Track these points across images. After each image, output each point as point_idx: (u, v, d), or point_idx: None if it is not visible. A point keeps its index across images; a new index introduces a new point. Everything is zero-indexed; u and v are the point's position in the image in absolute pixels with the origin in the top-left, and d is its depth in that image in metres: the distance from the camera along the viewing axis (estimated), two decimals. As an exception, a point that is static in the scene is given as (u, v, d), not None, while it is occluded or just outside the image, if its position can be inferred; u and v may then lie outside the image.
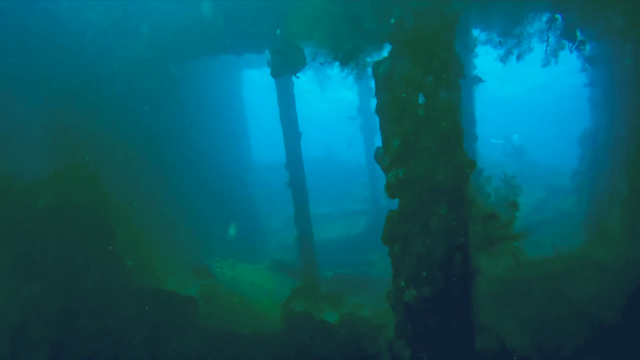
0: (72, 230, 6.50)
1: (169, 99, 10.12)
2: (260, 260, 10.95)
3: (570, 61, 9.14)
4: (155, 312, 6.56)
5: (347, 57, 5.71)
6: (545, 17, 6.36)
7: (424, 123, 5.12)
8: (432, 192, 5.23)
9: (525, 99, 37.69)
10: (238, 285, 7.54)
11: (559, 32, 6.42)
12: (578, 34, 6.43)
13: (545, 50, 6.33)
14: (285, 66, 6.82)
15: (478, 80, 8.98)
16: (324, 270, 10.56)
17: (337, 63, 13.60)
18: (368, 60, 5.69)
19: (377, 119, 5.71)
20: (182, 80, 10.47)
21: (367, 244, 14.18)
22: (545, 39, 6.12)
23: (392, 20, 5.08)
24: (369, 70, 5.72)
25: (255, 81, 24.25)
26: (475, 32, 8.10)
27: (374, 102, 15.12)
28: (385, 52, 5.50)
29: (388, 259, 13.71)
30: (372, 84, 14.77)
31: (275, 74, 7.23)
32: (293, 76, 7.45)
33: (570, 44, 6.37)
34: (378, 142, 15.27)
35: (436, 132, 5.16)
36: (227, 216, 11.77)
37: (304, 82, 10.14)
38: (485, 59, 9.69)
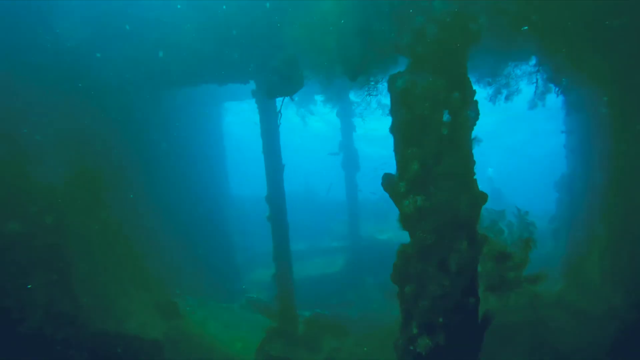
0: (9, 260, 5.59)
1: (140, 127, 9.74)
2: (233, 299, 10.34)
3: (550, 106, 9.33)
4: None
5: (356, 71, 5.25)
6: (532, 60, 6.43)
7: (448, 144, 4.55)
8: (453, 224, 4.63)
9: (500, 139, 38.29)
10: (209, 327, 6.95)
11: (546, 75, 6.45)
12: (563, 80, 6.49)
13: (535, 91, 6.34)
14: (283, 86, 6.47)
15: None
16: (300, 310, 10.04)
17: (321, 98, 13.53)
18: (379, 75, 5.29)
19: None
20: (154, 108, 10.17)
21: (345, 282, 13.75)
22: (534, 81, 6.13)
23: (412, 31, 4.62)
24: (380, 86, 5.39)
25: (236, 114, 24.14)
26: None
27: (355, 137, 15.12)
28: (397, 68, 5.05)
29: (366, 299, 13.27)
30: (356, 119, 14.67)
31: (271, 95, 6.88)
32: (288, 98, 7.14)
33: (556, 88, 6.37)
34: (360, 179, 15.13)
35: (460, 155, 4.63)
36: (199, 250, 11.20)
37: (285, 115, 9.98)
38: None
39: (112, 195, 8.26)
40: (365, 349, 9.65)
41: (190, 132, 13.11)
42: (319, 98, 15.84)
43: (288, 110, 10.23)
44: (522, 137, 39.25)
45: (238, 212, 16.26)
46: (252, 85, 8.97)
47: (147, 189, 9.72)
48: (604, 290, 9.09)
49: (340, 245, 15.71)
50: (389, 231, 16.46)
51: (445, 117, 4.46)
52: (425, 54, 4.63)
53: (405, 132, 4.80)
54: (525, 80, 6.25)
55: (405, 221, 4.86)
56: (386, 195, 18.43)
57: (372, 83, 5.34)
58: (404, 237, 15.83)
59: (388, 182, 5.19)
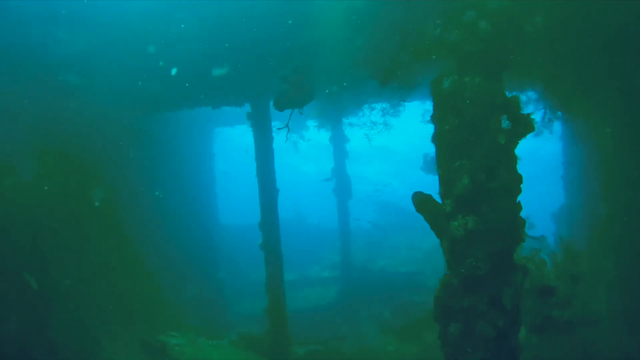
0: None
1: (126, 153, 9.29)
2: (223, 334, 9.69)
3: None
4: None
5: (387, 74, 4.72)
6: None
7: (504, 155, 3.92)
8: (508, 252, 4.01)
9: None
10: (199, 366, 6.37)
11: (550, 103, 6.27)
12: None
13: (543, 118, 6.14)
14: (293, 97, 5.97)
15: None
16: (293, 345, 9.46)
17: (314, 123, 13.27)
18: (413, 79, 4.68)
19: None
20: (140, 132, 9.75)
21: (338, 315, 13.17)
22: (542, 107, 5.94)
23: (461, 26, 4.05)
24: (416, 92, 4.84)
25: (226, 141, 23.85)
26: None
27: (348, 164, 14.87)
28: (431, 73, 4.46)
29: (359, 333, 12.72)
30: (349, 144, 14.37)
31: (279, 106, 6.40)
32: (297, 110, 6.68)
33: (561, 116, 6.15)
34: (353, 206, 14.79)
35: (514, 168, 4.04)
36: (187, 282, 10.60)
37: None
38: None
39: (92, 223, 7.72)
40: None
41: (180, 158, 12.73)
42: (311, 123, 15.69)
43: (278, 137, 9.97)
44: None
45: (226, 241, 15.71)
46: (247, 108, 8.69)
47: (132, 217, 9.20)
48: (612, 327, 8.78)
49: (332, 275, 15.19)
50: (381, 260, 16.04)
51: (505, 123, 3.85)
52: (475, 52, 4.04)
53: (453, 141, 4.18)
54: (532, 107, 6.08)
55: (452, 247, 4.15)
56: (379, 222, 18.00)
57: (404, 89, 4.84)
58: (397, 266, 15.33)
59: (422, 201, 4.57)
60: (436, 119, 4.36)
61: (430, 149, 12.48)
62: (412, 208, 18.37)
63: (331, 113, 14.03)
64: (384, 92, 7.52)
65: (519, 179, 3.93)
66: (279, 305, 8.25)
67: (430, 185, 13.67)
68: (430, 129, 14.76)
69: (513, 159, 3.93)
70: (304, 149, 17.80)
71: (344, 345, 11.43)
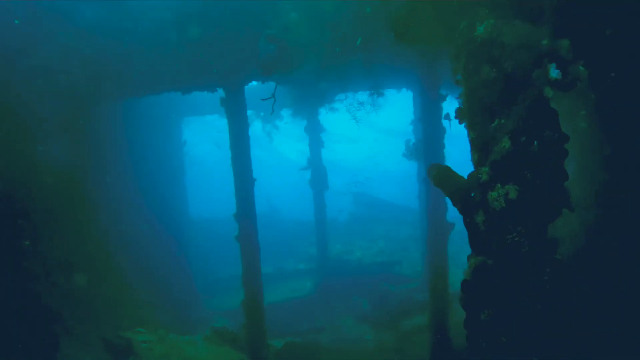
0: None
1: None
2: (195, 329, 9.26)
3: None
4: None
5: (404, 25, 4.07)
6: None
7: (550, 112, 3.31)
8: (548, 224, 3.46)
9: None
10: (171, 364, 5.95)
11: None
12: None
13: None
14: (280, 59, 5.49)
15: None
16: (270, 339, 9.15)
17: (288, 112, 12.90)
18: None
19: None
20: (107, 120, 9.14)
21: (314, 307, 12.93)
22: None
23: None
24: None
25: (195, 133, 23.12)
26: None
27: (324, 153, 14.58)
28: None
29: (336, 325, 12.55)
30: (327, 134, 14.08)
31: (266, 70, 5.92)
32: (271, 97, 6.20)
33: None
34: (329, 198, 14.57)
35: (571, 128, 3.73)
36: (154, 276, 10.08)
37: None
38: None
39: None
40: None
41: (148, 149, 12.13)
42: (285, 113, 15.32)
43: (252, 126, 9.59)
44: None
45: (196, 235, 15.19)
46: (220, 93, 8.24)
47: (93, 207, 8.62)
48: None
49: (307, 268, 14.91)
50: (358, 251, 15.90)
51: (553, 72, 3.20)
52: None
53: (488, 98, 3.52)
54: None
55: (489, 221, 3.49)
56: (355, 212, 17.75)
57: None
58: (374, 257, 15.15)
59: (441, 173, 3.99)
60: (466, 73, 3.74)
61: (412, 136, 12.40)
62: (388, 199, 18.34)
63: (307, 100, 13.73)
64: (367, 76, 7.25)
65: (565, 138, 3.33)
66: (256, 299, 7.89)
67: (410, 173, 13.58)
68: (407, 116, 14.48)
69: (557, 116, 3.33)
70: (278, 140, 17.44)
71: (322, 336, 11.21)
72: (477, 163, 3.72)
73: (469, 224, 3.68)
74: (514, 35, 3.35)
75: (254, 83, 10.97)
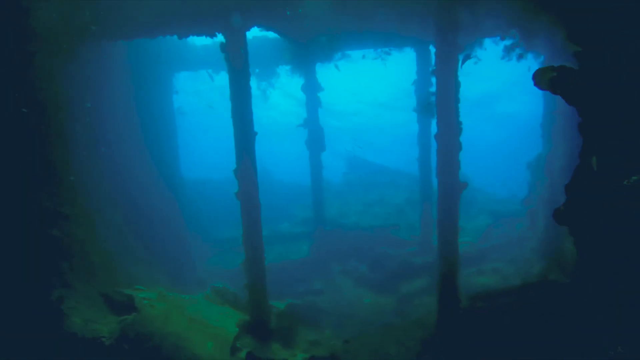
0: None
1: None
2: (191, 290, 8.98)
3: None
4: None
5: None
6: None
7: None
8: None
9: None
10: (172, 323, 5.65)
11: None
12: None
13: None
14: None
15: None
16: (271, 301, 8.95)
17: (286, 68, 12.35)
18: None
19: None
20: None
21: (311, 270, 12.77)
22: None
23: None
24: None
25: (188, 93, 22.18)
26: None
27: (321, 113, 14.14)
28: None
29: (335, 288, 12.36)
30: (323, 93, 13.60)
31: None
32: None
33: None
34: (326, 158, 14.19)
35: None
36: (150, 237, 9.70)
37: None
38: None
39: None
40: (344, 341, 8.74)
41: (138, 102, 11.48)
42: (281, 70, 14.67)
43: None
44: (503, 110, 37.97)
45: (190, 196, 14.75)
46: (219, 38, 7.64)
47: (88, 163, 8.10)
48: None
49: (303, 231, 14.66)
50: (354, 216, 15.67)
51: None
52: None
53: None
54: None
55: None
56: (350, 176, 17.40)
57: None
58: (370, 221, 14.93)
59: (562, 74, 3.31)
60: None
61: (413, 100, 11.96)
62: (384, 164, 17.99)
63: (305, 56, 13.10)
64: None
65: None
66: (257, 258, 7.58)
67: (410, 135, 13.17)
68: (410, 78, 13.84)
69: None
70: (274, 99, 16.77)
71: (321, 299, 11.09)
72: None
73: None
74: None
75: (251, 36, 10.32)
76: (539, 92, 12.37)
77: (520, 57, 8.12)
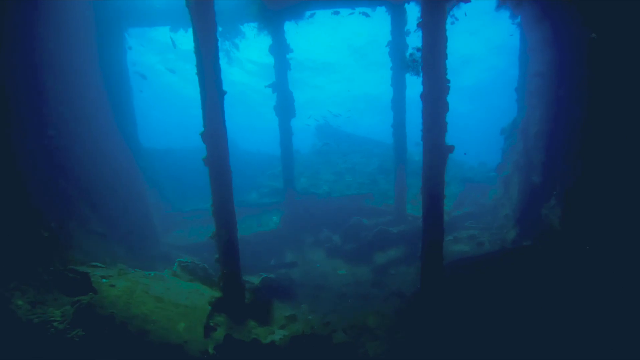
0: None
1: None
2: (155, 266, 8.26)
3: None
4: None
5: None
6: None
7: None
8: None
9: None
10: (137, 303, 4.98)
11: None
12: None
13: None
14: None
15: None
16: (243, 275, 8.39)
17: (253, 26, 11.50)
18: None
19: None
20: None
21: (283, 242, 12.27)
22: None
23: None
24: None
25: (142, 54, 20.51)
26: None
27: (291, 76, 13.38)
28: None
29: (309, 260, 11.95)
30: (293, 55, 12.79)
31: None
32: None
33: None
34: (296, 124, 13.51)
35: None
36: (106, 207, 8.79)
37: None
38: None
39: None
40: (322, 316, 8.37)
41: (87, 63, 10.27)
42: (247, 29, 13.64)
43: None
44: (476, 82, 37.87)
45: (150, 167, 13.72)
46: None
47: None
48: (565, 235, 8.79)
49: (273, 201, 14.05)
50: (324, 185, 15.19)
51: None
52: None
53: None
54: None
55: None
56: (319, 145, 16.72)
57: None
58: (342, 191, 14.45)
59: None
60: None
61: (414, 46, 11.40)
62: (355, 132, 17.47)
63: (274, 13, 12.17)
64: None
65: None
66: (229, 229, 6.93)
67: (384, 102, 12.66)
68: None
69: None
70: (238, 62, 15.68)
71: (294, 272, 10.65)
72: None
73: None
74: None
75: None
76: (513, 57, 12.14)
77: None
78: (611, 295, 6.61)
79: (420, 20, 6.69)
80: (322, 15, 13.49)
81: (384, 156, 16.73)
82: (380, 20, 13.52)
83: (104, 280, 5.15)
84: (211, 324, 5.82)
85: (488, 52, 30.81)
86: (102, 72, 10.94)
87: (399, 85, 12.07)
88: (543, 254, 8.52)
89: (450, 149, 6.88)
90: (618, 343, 6.06)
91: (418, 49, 7.07)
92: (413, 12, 12.25)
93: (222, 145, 6.86)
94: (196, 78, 6.72)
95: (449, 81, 6.61)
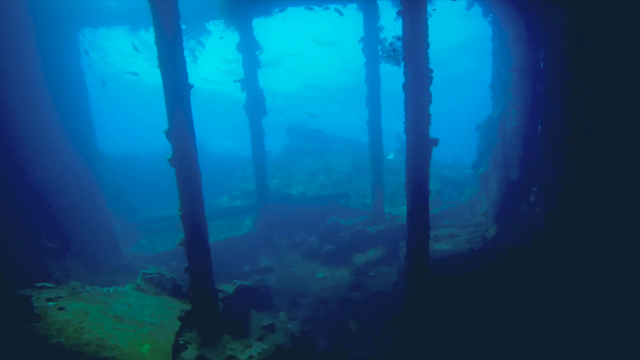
0: None
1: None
2: (116, 281, 7.52)
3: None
4: None
5: None
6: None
7: None
8: None
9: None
10: (91, 327, 4.30)
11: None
12: None
13: None
14: None
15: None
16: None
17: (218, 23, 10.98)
18: None
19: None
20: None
21: (256, 246, 11.67)
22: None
23: None
24: None
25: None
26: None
27: (261, 74, 12.81)
28: None
29: (284, 264, 11.39)
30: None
31: None
32: None
33: None
34: (267, 124, 12.89)
35: None
36: (60, 219, 7.97)
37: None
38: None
39: None
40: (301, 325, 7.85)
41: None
42: (213, 27, 13.00)
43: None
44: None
45: (111, 172, 12.84)
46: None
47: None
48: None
49: (245, 204, 13.42)
50: (298, 186, 14.67)
51: None
52: None
53: None
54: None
55: None
56: (290, 145, 16.14)
57: None
58: (317, 190, 13.93)
59: None
60: None
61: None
62: (328, 130, 16.97)
63: (240, 10, 11.58)
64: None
65: None
66: (200, 234, 6.31)
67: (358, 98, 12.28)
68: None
69: None
70: (203, 61, 14.94)
71: (270, 277, 10.07)
72: None
73: None
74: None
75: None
76: (486, 54, 12.00)
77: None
78: (594, 290, 6.44)
79: (400, 8, 6.31)
80: (292, 11, 12.99)
81: (358, 155, 16.39)
82: (351, 17, 13.12)
83: (50, 303, 4.45)
84: (181, 342, 5.19)
85: (455, 50, 31.15)
86: (50, 75, 9.98)
87: (373, 82, 11.72)
88: (525, 251, 8.34)
89: (435, 142, 6.52)
90: (603, 340, 5.86)
91: (399, 38, 6.66)
92: (386, 8, 12.00)
93: (189, 142, 6.25)
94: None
95: (431, 70, 6.24)
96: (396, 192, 13.56)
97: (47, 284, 5.05)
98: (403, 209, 12.68)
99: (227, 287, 7.29)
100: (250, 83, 12.13)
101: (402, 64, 6.34)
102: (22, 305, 4.11)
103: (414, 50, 6.19)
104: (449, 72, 35.55)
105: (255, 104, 12.19)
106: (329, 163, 15.82)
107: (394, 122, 17.86)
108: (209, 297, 6.32)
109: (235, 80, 11.81)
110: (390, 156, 17.51)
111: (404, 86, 6.33)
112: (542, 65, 8.51)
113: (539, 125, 8.97)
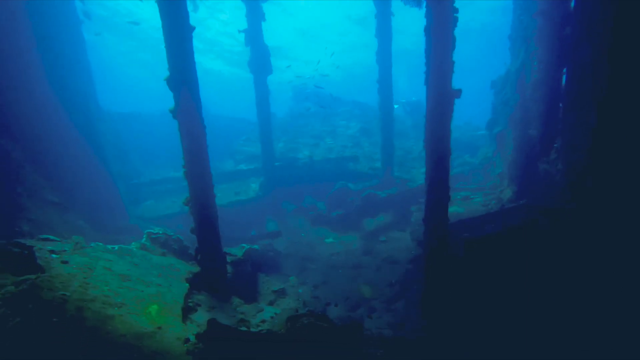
0: None
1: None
2: (120, 240, 7.19)
3: None
4: None
5: None
6: None
7: None
8: None
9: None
10: (96, 282, 3.99)
11: None
12: None
13: None
14: None
15: None
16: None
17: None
18: None
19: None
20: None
21: (263, 211, 11.36)
22: None
23: None
24: None
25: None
26: None
27: (266, 35, 12.12)
28: None
29: (292, 229, 11.08)
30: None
31: None
32: None
33: None
34: (272, 84, 12.29)
35: None
36: (62, 175, 7.60)
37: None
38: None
39: None
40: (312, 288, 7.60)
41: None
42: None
43: None
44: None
45: (113, 131, 12.37)
46: None
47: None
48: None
49: (250, 168, 13.03)
50: (304, 149, 14.23)
51: None
52: None
53: None
54: None
55: None
56: (295, 110, 15.48)
57: None
58: (324, 154, 13.44)
59: None
60: None
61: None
62: (334, 93, 16.26)
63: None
64: None
65: None
66: (206, 195, 5.95)
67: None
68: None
69: None
70: (204, 13, 14.16)
71: (278, 242, 9.79)
72: None
73: None
74: None
75: None
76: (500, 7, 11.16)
77: None
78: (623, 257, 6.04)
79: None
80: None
81: (366, 117, 15.85)
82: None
83: (54, 255, 4.13)
84: (190, 304, 4.91)
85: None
86: (43, 30, 9.33)
87: (384, 36, 11.06)
88: (546, 211, 7.95)
89: (458, 92, 6.04)
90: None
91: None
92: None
93: (192, 90, 5.81)
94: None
95: (457, 10, 5.68)
96: (406, 156, 13.12)
97: (50, 237, 4.73)
98: (414, 172, 12.30)
99: (235, 251, 6.99)
100: (253, 37, 11.46)
101: (424, 4, 5.79)
102: (27, 254, 3.78)
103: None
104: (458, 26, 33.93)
105: (260, 61, 11.58)
106: (335, 126, 15.32)
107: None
108: (217, 259, 6.02)
109: (240, 31, 11.13)
110: (396, 106, 16.89)
111: (426, 29, 5.81)
112: (572, 4, 7.85)
113: (564, 76, 8.41)
